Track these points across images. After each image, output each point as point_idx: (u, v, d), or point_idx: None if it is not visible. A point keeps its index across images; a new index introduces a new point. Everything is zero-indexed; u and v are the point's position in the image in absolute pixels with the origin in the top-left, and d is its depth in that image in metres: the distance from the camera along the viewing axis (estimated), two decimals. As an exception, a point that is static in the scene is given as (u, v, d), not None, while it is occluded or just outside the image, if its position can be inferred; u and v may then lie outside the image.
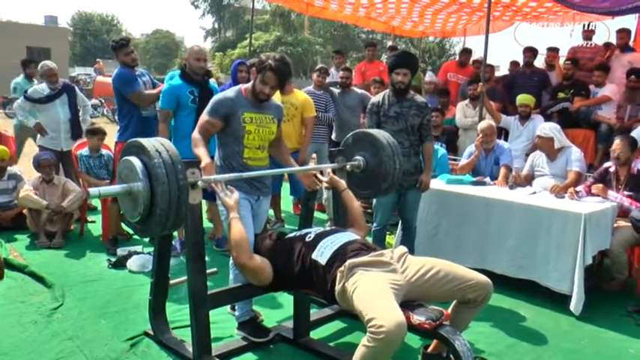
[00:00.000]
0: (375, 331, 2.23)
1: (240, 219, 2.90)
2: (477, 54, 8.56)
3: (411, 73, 4.09)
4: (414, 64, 4.14)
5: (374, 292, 2.44)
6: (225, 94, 3.32)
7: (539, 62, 7.75)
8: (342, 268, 2.62)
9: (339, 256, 2.72)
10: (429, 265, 2.66)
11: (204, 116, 3.26)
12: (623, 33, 7.06)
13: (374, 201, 4.37)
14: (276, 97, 5.44)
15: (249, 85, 3.33)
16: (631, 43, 7.21)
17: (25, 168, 6.32)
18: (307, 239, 2.92)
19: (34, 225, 5.31)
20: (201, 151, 3.08)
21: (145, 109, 4.97)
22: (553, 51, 7.58)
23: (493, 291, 2.72)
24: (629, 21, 7.60)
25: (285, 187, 6.15)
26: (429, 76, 8.00)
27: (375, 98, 4.29)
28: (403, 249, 2.81)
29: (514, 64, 8.11)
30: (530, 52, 7.24)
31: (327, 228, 3.12)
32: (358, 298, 2.45)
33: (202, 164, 2.96)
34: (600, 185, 4.42)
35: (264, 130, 3.33)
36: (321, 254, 2.78)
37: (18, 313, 3.67)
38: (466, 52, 8.64)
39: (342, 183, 3.42)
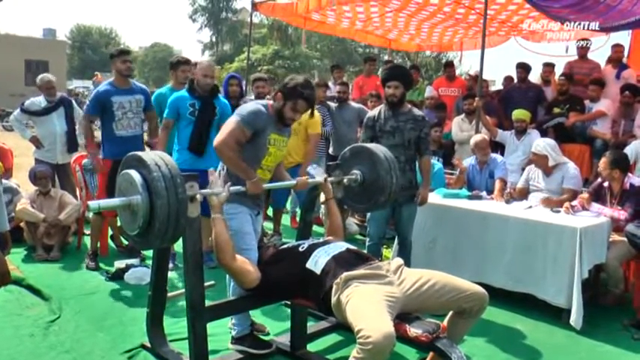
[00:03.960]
0: (363, 342, 2.27)
1: (223, 220, 2.91)
2: (472, 68, 8.66)
3: (403, 86, 4.06)
4: (404, 76, 4.11)
5: (365, 304, 2.47)
6: (261, 109, 3.14)
7: (535, 77, 7.80)
8: (337, 281, 2.64)
9: (333, 265, 2.76)
10: (425, 278, 2.69)
11: (238, 124, 3.05)
12: (619, 47, 7.14)
13: (368, 215, 4.37)
14: None
15: (275, 104, 3.20)
16: (624, 60, 7.29)
17: (21, 181, 6.32)
18: (300, 249, 2.96)
19: (31, 238, 5.31)
20: (246, 168, 3.07)
21: (121, 128, 4.83)
22: (549, 66, 7.64)
23: (490, 304, 2.74)
24: (622, 38, 7.70)
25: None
26: (428, 92, 8.05)
27: (372, 112, 4.28)
28: (399, 261, 2.84)
29: (508, 79, 8.17)
30: (522, 69, 7.27)
31: (321, 239, 3.15)
32: (350, 310, 2.49)
33: (253, 180, 3.02)
34: (586, 195, 4.47)
35: (278, 152, 3.30)
36: (315, 263, 2.81)
37: (15, 325, 3.66)
38: (449, 65, 8.78)
39: (330, 192, 3.42)
